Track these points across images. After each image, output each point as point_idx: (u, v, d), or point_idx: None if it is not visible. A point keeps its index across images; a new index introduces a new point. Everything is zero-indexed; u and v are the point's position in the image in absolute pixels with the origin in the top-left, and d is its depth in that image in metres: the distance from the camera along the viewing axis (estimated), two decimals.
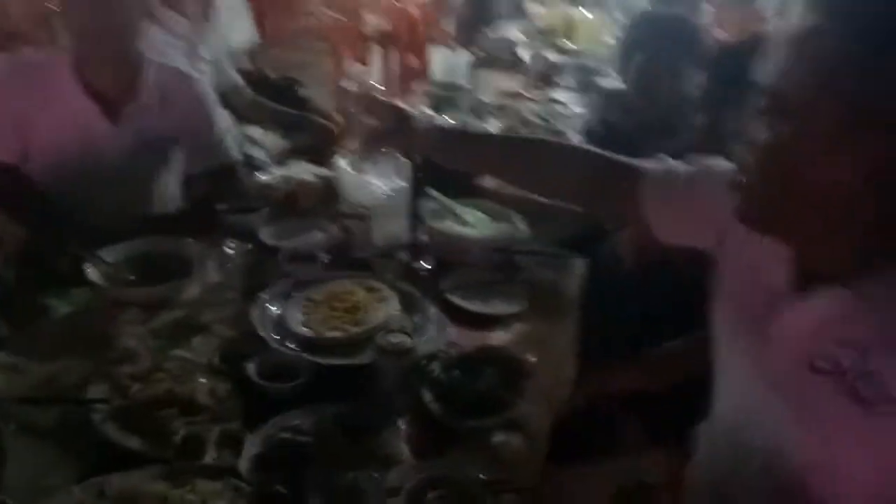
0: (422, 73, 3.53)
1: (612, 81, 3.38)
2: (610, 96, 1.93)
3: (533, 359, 1.19)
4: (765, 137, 0.71)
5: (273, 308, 1.18)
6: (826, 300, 0.73)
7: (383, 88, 2.96)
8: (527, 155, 1.13)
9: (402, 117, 1.13)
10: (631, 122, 1.86)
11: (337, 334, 1.11)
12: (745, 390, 0.89)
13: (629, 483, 1.13)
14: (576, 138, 1.96)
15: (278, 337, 1.11)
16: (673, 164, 1.02)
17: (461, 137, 1.25)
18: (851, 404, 0.71)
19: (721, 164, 0.95)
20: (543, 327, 1.33)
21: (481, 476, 0.91)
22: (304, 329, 1.12)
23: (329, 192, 1.64)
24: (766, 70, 0.72)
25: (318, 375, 1.05)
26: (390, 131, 1.12)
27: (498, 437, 1.02)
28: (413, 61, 3.88)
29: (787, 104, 0.69)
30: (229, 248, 1.29)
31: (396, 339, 1.03)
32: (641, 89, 1.78)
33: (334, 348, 1.10)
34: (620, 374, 1.30)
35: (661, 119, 1.80)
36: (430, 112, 2.25)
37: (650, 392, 1.25)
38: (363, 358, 1.08)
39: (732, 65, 1.39)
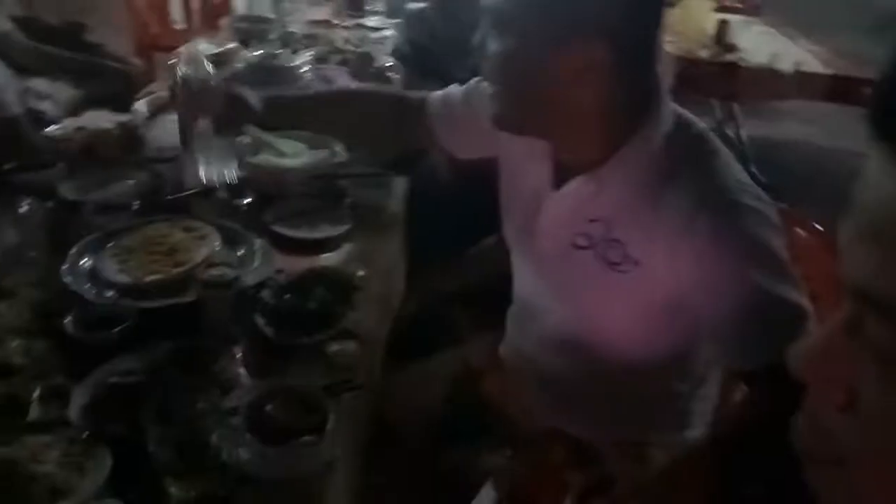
0: (224, 7, 3.34)
1: (419, 3, 3.42)
2: (414, 17, 1.97)
3: (361, 273, 1.25)
4: (495, 49, 0.81)
5: (85, 261, 1.13)
6: (575, 186, 0.86)
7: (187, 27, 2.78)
8: (333, 110, 1.30)
9: (233, 104, 1.21)
10: (435, 42, 1.92)
11: (157, 277, 1.09)
12: (527, 278, 1.03)
13: (460, 370, 1.25)
14: (385, 61, 2.00)
15: (95, 290, 1.08)
16: (452, 87, 1.13)
17: (280, 105, 1.34)
18: (605, 268, 0.86)
19: None
20: (371, 244, 1.38)
21: (318, 382, 0.97)
22: (122, 277, 1.10)
23: (131, 139, 1.55)
24: None
25: (145, 320, 1.04)
26: (224, 118, 1.24)
27: (332, 347, 1.08)
28: None
29: (505, 19, 0.80)
30: (24, 207, 1.21)
31: (217, 271, 1.04)
32: (441, 8, 1.83)
33: (157, 291, 1.08)
34: (445, 275, 1.40)
35: (462, 37, 1.87)
36: (240, 47, 2.17)
37: (471, 287, 1.37)
38: (188, 296, 1.07)
39: None
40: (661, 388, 0.95)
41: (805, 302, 0.75)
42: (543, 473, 0.90)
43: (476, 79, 1.07)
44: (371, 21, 2.90)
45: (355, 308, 1.16)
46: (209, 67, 1.27)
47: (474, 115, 1.03)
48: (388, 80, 1.94)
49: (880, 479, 0.31)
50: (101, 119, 1.56)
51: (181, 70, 1.26)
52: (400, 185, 1.60)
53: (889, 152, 0.27)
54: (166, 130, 1.47)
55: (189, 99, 1.25)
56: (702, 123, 0.85)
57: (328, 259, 1.32)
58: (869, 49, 2.92)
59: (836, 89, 2.85)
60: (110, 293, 1.07)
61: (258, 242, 1.23)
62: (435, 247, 1.47)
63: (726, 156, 0.81)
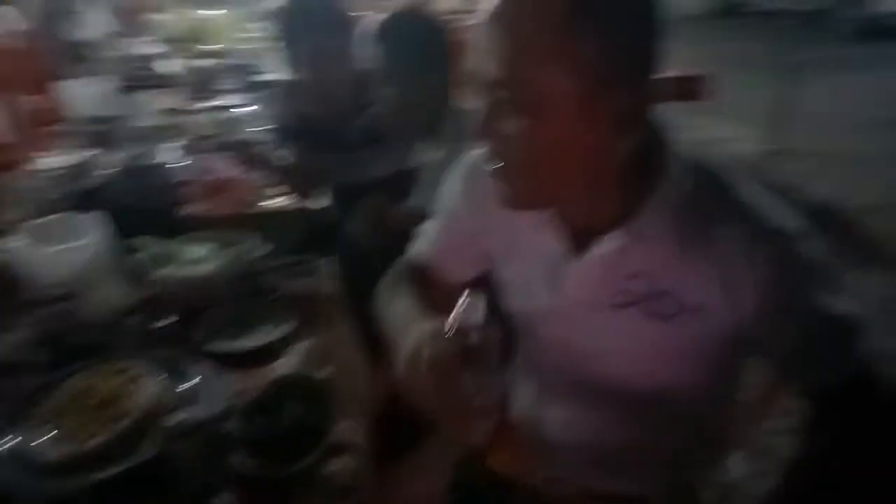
0: (53, 112, 3.05)
1: (273, 76, 3.33)
2: (290, 90, 1.87)
3: (324, 373, 1.13)
4: (507, 126, 0.74)
5: (3, 443, 0.92)
6: (608, 246, 0.81)
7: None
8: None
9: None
10: (317, 111, 1.84)
11: (101, 438, 0.91)
12: (551, 352, 0.96)
13: (460, 452, 1.15)
14: (251, 138, 1.88)
15: (30, 478, 0.87)
16: (427, 229, 1.06)
17: None
18: (654, 321, 0.82)
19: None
20: (321, 336, 1.27)
21: None
22: (57, 450, 0.90)
23: (7, 280, 1.33)
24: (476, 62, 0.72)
25: (101, 494, 0.86)
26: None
27: (328, 468, 0.96)
28: (41, 102, 3.33)
29: (511, 89, 0.71)
30: None
31: (178, 416, 0.89)
32: (314, 77, 1.76)
33: (106, 456, 0.90)
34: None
35: (345, 100, 1.81)
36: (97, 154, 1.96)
37: None
38: (146, 452, 0.90)
39: (399, 35, 1.44)
40: (705, 421, 0.94)
41: (855, 305, 0.77)
42: None
43: (449, 183, 0.99)
44: (228, 100, 2.77)
45: (334, 416, 1.04)
46: None
47: (467, 223, 0.97)
48: (273, 161, 1.84)
49: None
50: None
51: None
52: (327, 264, 1.50)
53: None
54: (51, 263, 1.26)
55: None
56: (715, 157, 0.84)
57: (283, 366, 1.18)
58: None
59: None
60: (52, 476, 0.87)
61: (202, 368, 1.07)
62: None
63: (750, 182, 0.80)
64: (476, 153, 0.95)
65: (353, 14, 1.84)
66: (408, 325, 0.85)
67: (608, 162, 0.76)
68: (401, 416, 1.33)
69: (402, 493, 1.11)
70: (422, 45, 1.43)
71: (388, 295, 1.02)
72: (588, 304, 0.85)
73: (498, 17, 0.70)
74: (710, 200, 0.77)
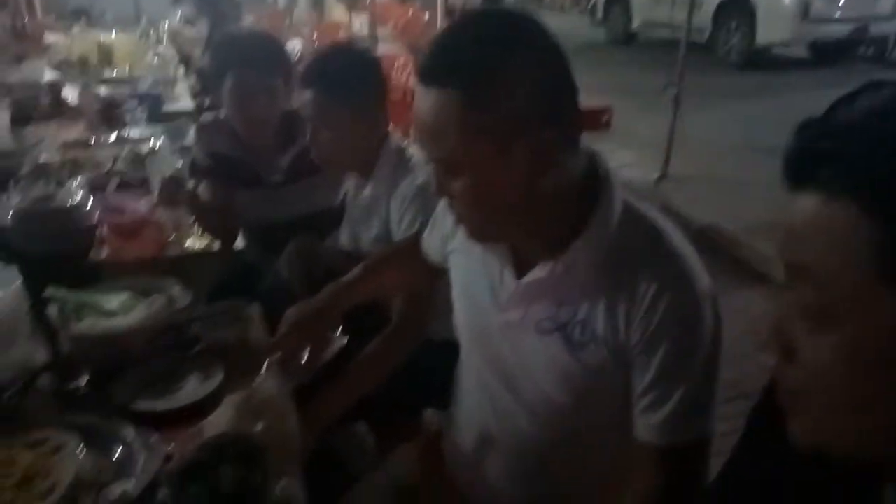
0: None
1: (181, 104, 3.22)
2: (209, 127, 1.83)
3: (258, 427, 1.10)
4: (449, 184, 0.85)
5: None
6: (542, 273, 0.89)
7: None
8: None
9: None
10: (237, 149, 1.80)
11: None
12: (481, 367, 1.04)
13: (399, 484, 1.16)
14: (165, 173, 1.81)
15: None
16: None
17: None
18: (570, 349, 0.89)
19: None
20: (250, 388, 1.23)
21: None
22: None
23: None
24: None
25: None
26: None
27: None
28: None
29: (451, 164, 0.84)
30: None
31: (117, 490, 0.84)
32: (239, 112, 1.72)
33: None
34: (335, 396, 1.29)
35: (269, 136, 1.78)
36: None
37: (370, 396, 1.29)
38: None
39: (330, 72, 1.44)
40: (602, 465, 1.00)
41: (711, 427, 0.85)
42: None
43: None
44: (134, 132, 2.65)
45: (271, 474, 1.01)
46: None
47: (447, 220, 1.07)
48: (189, 200, 1.77)
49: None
50: None
51: None
52: (253, 310, 1.46)
53: None
54: None
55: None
56: (646, 203, 0.90)
57: (213, 424, 1.13)
58: None
59: None
60: None
61: (131, 433, 1.02)
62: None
63: (674, 234, 0.86)
64: None
65: (282, 50, 1.83)
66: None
67: (538, 201, 0.83)
68: (332, 461, 1.33)
69: None
70: (353, 81, 1.42)
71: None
72: (517, 324, 0.93)
73: (415, 116, 0.83)
74: (634, 239, 0.85)
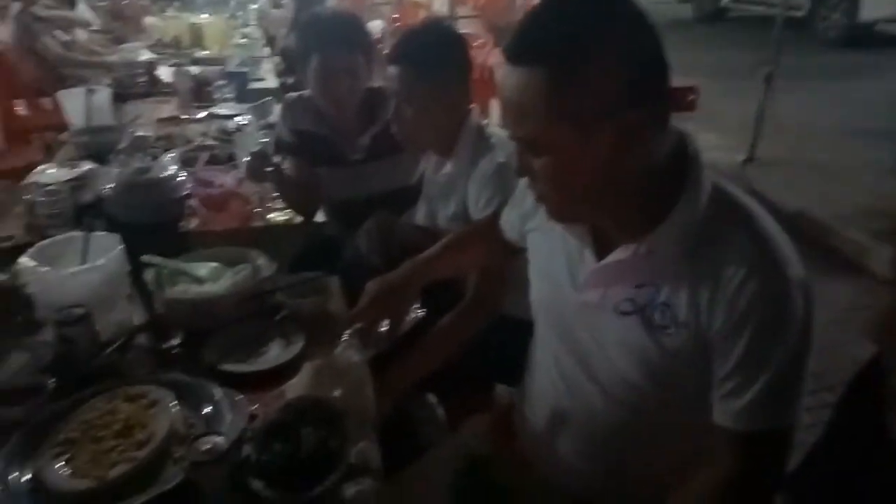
0: (46, 119, 3.02)
1: (266, 83, 3.32)
2: (294, 105, 1.88)
3: (337, 393, 1.14)
4: (532, 164, 0.84)
5: (16, 477, 0.92)
6: (623, 254, 0.87)
7: None
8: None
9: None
10: (322, 126, 1.84)
11: (124, 468, 0.92)
12: (555, 345, 1.03)
13: (462, 459, 1.18)
14: (252, 149, 1.87)
15: None
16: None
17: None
18: (650, 332, 0.87)
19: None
20: (329, 355, 1.27)
21: None
22: (77, 482, 0.91)
23: (11, 301, 1.32)
24: None
25: None
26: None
27: (349, 490, 0.97)
28: (27, 107, 3.31)
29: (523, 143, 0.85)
30: None
31: (207, 443, 0.89)
32: (323, 91, 1.77)
33: (129, 486, 0.91)
34: (410, 367, 1.33)
35: (352, 115, 1.82)
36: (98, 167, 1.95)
37: (442, 369, 1.32)
38: (169, 480, 0.91)
39: (414, 52, 1.45)
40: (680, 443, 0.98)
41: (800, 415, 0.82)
42: None
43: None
44: (223, 109, 2.76)
45: (349, 437, 1.05)
46: None
47: (527, 200, 1.08)
48: (275, 175, 1.83)
49: None
50: None
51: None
52: (333, 282, 1.51)
53: None
54: (61, 284, 1.26)
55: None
56: (734, 186, 0.88)
57: (294, 387, 1.19)
58: None
59: None
60: None
61: (219, 392, 1.08)
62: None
63: (764, 218, 0.84)
64: None
65: (364, 29, 1.85)
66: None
67: (622, 182, 0.82)
68: (404, 429, 1.37)
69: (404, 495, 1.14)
70: (439, 58, 1.43)
71: None
72: (596, 305, 0.92)
73: (500, 95, 0.83)
74: (722, 222, 0.82)
